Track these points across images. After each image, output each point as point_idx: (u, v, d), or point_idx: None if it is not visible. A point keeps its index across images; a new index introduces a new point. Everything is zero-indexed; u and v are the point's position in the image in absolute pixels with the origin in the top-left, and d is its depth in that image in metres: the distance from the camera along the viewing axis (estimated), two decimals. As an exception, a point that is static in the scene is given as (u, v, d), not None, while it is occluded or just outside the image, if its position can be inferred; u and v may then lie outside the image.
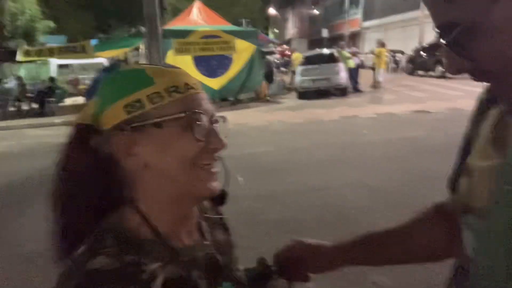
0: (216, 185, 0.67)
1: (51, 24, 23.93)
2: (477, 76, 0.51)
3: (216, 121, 0.67)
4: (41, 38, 22.26)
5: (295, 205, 4.44)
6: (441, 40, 0.49)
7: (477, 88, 0.67)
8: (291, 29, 58.64)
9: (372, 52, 17.23)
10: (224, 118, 0.69)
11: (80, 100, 13.40)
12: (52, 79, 14.22)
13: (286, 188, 4.96)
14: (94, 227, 0.64)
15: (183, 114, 0.62)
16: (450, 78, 16.04)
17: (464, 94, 11.32)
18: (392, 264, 0.96)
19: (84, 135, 0.66)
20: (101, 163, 0.65)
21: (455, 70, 0.51)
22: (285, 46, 33.33)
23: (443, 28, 0.48)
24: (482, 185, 0.58)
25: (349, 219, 3.95)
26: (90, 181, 0.66)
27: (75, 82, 15.93)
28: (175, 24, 13.07)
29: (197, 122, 0.63)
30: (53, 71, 16.57)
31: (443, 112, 9.32)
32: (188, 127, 0.63)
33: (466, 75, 0.53)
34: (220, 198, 0.73)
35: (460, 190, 0.66)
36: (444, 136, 6.74)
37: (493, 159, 0.56)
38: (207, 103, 0.67)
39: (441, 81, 15.71)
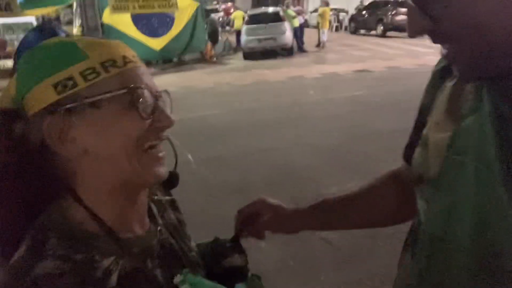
0: (163, 169, 0.61)
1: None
2: (436, 38, 0.52)
3: (160, 96, 0.61)
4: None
5: (242, 166, 4.51)
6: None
7: (416, 47, 0.68)
8: (235, -15, 56.75)
9: (316, 11, 17.25)
10: (168, 93, 0.63)
11: (9, 63, 12.29)
12: (-27, 40, 12.86)
13: (233, 150, 5.00)
14: (28, 227, 0.57)
15: (123, 91, 0.56)
16: (390, 37, 16.57)
17: (403, 52, 11.78)
18: (349, 229, 0.99)
19: (7, 123, 0.57)
20: (30, 153, 0.57)
21: (416, 31, 0.52)
22: (229, 4, 32.37)
23: None
24: (435, 156, 0.60)
25: (295, 177, 4.10)
26: (18, 176, 0.57)
27: (2, 44, 14.53)
28: (111, -21, 12.15)
29: (140, 99, 0.57)
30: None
31: (383, 70, 9.69)
32: (131, 105, 0.56)
33: (404, 34, 0.53)
34: (170, 181, 0.68)
35: (414, 160, 0.68)
36: (382, 94, 7.07)
37: (448, 131, 0.57)
38: (148, 77, 0.60)
39: (382, 40, 16.20)
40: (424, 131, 0.65)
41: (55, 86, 0.54)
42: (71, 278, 0.51)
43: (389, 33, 16.92)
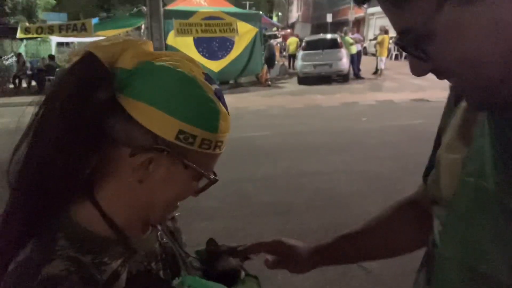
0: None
1: (52, 1, 23.67)
2: (438, 75, 0.53)
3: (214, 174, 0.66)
4: (42, 15, 22.05)
5: (286, 188, 4.47)
6: (400, 44, 0.52)
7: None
8: (295, 12, 57.88)
9: (375, 39, 17.07)
10: None
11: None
12: (51, 57, 14.15)
13: (279, 172, 4.99)
14: (37, 224, 0.56)
15: (212, 176, 0.62)
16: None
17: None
18: (367, 261, 1.01)
19: (98, 78, 0.54)
20: (95, 132, 0.55)
21: (417, 72, 0.53)
22: (288, 30, 32.96)
23: (401, 33, 0.51)
24: (447, 176, 0.60)
25: (339, 203, 3.98)
26: (72, 149, 0.55)
27: (75, 61, 15.79)
28: (178, 5, 12.92)
29: (210, 185, 0.64)
30: (53, 49, 16.48)
31: (442, 100, 9.15)
32: (197, 180, 0.62)
33: None
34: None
35: (429, 181, 0.69)
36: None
37: (460, 152, 0.58)
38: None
39: (444, 70, 15.59)
40: (438, 152, 0.67)
41: (180, 132, 0.56)
42: (80, 279, 0.52)
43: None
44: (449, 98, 0.70)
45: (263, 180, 4.69)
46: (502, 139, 0.51)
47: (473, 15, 0.45)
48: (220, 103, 0.60)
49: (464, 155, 0.57)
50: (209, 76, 0.62)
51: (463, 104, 0.63)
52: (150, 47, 0.61)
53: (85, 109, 0.53)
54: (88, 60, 0.55)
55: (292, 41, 17.15)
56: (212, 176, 0.62)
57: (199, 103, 0.57)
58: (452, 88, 0.59)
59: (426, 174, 0.77)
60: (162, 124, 0.55)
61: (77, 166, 0.56)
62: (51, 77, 12.77)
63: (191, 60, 0.61)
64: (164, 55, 0.60)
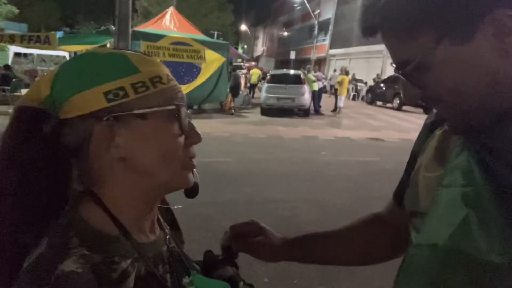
0: (192, 178, 0.66)
1: (15, 9, 22.90)
2: (427, 102, 0.63)
3: (190, 115, 0.67)
4: (1, 23, 21.20)
5: (248, 214, 4.50)
6: (399, 73, 0.61)
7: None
8: (260, 47, 59.48)
9: (331, 78, 18.01)
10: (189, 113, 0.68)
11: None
12: (8, 67, 13.55)
13: (241, 198, 5.02)
14: (43, 226, 0.58)
15: (171, 107, 0.60)
16: (406, 111, 16.91)
17: (417, 127, 11.89)
18: (329, 264, 1.05)
19: (35, 121, 0.58)
20: (57, 153, 0.59)
21: (410, 97, 0.63)
22: (253, 63, 33.76)
23: (400, 63, 0.61)
24: (425, 191, 0.68)
25: (300, 231, 4.04)
26: (39, 174, 0.58)
27: (33, 73, 15.27)
28: (147, 27, 12.95)
29: (182, 115, 0.62)
30: (10, 58, 15.83)
31: (396, 141, 9.81)
32: (172, 119, 0.61)
33: (420, 110, 0.65)
34: (192, 190, 0.72)
35: (406, 198, 0.76)
36: (394, 163, 7.09)
37: (436, 171, 0.66)
38: (183, 95, 0.65)
39: (398, 113, 16.53)
40: (413, 173, 0.75)
41: (106, 94, 0.57)
42: (95, 277, 0.53)
43: (405, 107, 17.30)
44: (424, 126, 0.80)
45: (225, 205, 4.70)
46: (477, 157, 0.58)
47: (464, 53, 0.55)
48: (130, 51, 0.63)
49: (441, 173, 0.64)
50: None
51: (439, 131, 0.73)
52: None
53: (40, 148, 0.57)
54: (20, 114, 0.59)
55: (255, 72, 17.76)
56: (173, 107, 0.61)
57: (101, 62, 0.60)
58: (437, 115, 0.69)
59: (396, 193, 0.86)
60: (89, 101, 0.57)
61: (51, 189, 0.59)
62: (6, 87, 12.21)
63: None
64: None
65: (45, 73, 0.64)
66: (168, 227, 0.78)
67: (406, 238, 0.73)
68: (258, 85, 18.84)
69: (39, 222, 0.58)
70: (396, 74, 0.63)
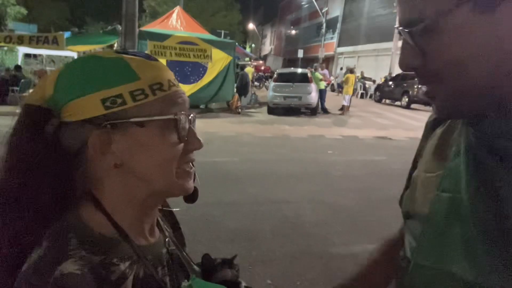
0: (192, 184, 0.65)
1: (23, 11, 23.14)
2: (421, 76, 0.57)
3: (193, 121, 0.66)
4: (11, 24, 21.46)
5: (253, 215, 4.48)
6: (405, 30, 0.54)
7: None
8: (268, 45, 59.44)
9: (337, 77, 17.89)
10: (193, 117, 0.68)
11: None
12: (18, 68, 13.71)
13: (246, 198, 5.00)
14: (44, 228, 0.58)
15: (170, 116, 0.60)
16: (414, 109, 16.76)
17: (425, 125, 11.79)
18: None
19: (39, 120, 0.58)
20: (58, 155, 0.59)
21: (407, 65, 0.57)
22: (260, 62, 33.74)
23: (409, 21, 0.54)
24: (423, 193, 0.64)
25: (304, 232, 4.03)
26: (41, 175, 0.58)
27: (41, 73, 15.42)
28: (153, 27, 13.00)
29: (181, 124, 0.61)
30: (20, 59, 16.02)
31: (404, 140, 9.71)
32: (171, 128, 0.60)
33: (428, 108, 0.59)
34: (192, 196, 0.71)
35: (404, 198, 0.72)
36: (402, 162, 7.02)
37: (435, 171, 0.62)
38: (185, 101, 0.64)
39: (406, 111, 16.38)
40: (414, 173, 0.71)
41: (104, 100, 0.57)
42: (94, 278, 0.53)
43: (413, 105, 17.14)
44: (426, 125, 0.75)
45: (230, 206, 4.69)
46: (475, 159, 0.55)
47: (482, 24, 0.49)
48: (134, 56, 0.61)
49: (439, 173, 0.61)
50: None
51: (440, 129, 0.68)
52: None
53: (42, 147, 0.57)
54: (26, 112, 0.60)
55: (248, 70, 17.55)
56: (172, 116, 0.60)
57: (103, 68, 0.59)
58: (425, 94, 0.61)
59: (401, 201, 0.79)
60: (87, 107, 0.57)
61: (52, 190, 0.59)
62: (16, 88, 12.34)
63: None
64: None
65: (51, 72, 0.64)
66: (169, 230, 0.77)
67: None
68: (254, 83, 18.94)
69: (41, 223, 0.58)
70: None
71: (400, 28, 0.55)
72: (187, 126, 0.63)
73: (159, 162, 0.60)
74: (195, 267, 0.77)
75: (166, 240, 0.71)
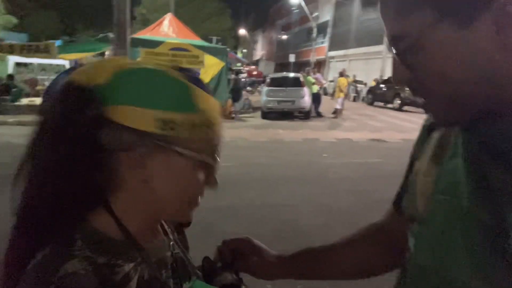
0: (192, 213, 0.68)
1: (14, 20, 22.99)
2: (414, 88, 0.59)
3: (217, 159, 0.66)
4: (1, 33, 21.30)
5: (251, 218, 4.48)
6: (391, 49, 0.57)
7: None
8: (259, 50, 59.66)
9: (332, 81, 17.92)
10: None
11: (37, 100, 12.85)
12: (10, 77, 13.61)
13: (243, 202, 5.00)
14: (60, 225, 0.58)
15: (210, 161, 0.62)
16: (406, 111, 16.88)
17: (419, 126, 11.63)
18: (327, 279, 0.99)
19: (82, 98, 0.56)
20: (92, 147, 0.57)
21: (399, 80, 0.59)
22: (252, 67, 33.84)
23: (394, 38, 0.56)
24: (422, 197, 0.65)
25: (304, 234, 4.03)
26: (78, 163, 0.57)
27: (33, 82, 15.30)
28: (145, 34, 12.98)
29: (214, 171, 0.64)
30: (10, 69, 15.87)
31: (398, 142, 9.78)
32: (204, 168, 0.62)
33: (421, 110, 0.61)
34: (186, 224, 0.75)
35: (404, 204, 0.73)
36: (396, 164, 7.06)
37: (432, 175, 0.63)
38: (221, 144, 0.65)
39: (398, 114, 16.51)
40: (411, 177, 0.72)
41: (158, 120, 0.56)
42: (97, 279, 0.54)
43: (405, 107, 17.27)
44: (422, 129, 0.77)
45: (227, 210, 4.67)
46: (473, 160, 0.55)
47: (461, 38, 0.51)
48: (196, 86, 0.61)
49: (436, 175, 0.62)
50: (186, 70, 0.64)
51: (436, 133, 0.70)
52: (125, 59, 0.64)
53: (76, 132, 0.56)
54: (67, 88, 0.57)
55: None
56: (210, 160, 0.62)
57: (167, 88, 0.59)
58: (422, 106, 0.64)
59: (396, 200, 0.82)
60: (140, 118, 0.56)
61: (79, 184, 0.58)
62: (7, 97, 12.24)
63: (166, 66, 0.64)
64: (137, 62, 0.64)
65: (112, 58, 0.63)
66: (173, 233, 0.78)
67: (406, 246, 0.70)
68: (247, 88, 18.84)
69: (72, 218, 0.58)
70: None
71: (388, 45, 0.57)
72: (216, 173, 0.65)
73: (182, 191, 0.62)
74: (198, 271, 0.78)
75: (171, 243, 0.72)
